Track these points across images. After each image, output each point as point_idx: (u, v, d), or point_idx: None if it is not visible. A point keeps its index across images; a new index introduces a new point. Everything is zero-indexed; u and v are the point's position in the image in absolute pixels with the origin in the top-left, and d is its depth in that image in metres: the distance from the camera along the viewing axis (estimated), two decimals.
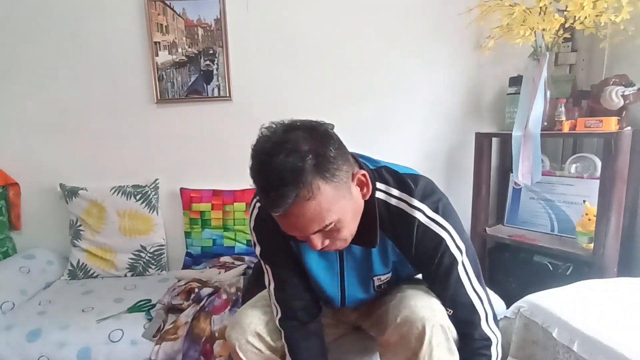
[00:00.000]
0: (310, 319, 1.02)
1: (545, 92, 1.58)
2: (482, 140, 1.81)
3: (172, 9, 1.77)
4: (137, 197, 1.80)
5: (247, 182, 1.85)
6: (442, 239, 0.87)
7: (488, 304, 0.93)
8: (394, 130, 1.90)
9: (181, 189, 1.87)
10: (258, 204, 0.97)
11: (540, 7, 1.55)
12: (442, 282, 0.90)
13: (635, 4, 1.44)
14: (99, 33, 1.78)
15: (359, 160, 0.88)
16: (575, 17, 1.51)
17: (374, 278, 0.97)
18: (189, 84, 1.83)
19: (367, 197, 0.85)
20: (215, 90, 1.84)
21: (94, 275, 1.79)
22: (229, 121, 1.88)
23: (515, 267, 1.77)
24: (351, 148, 0.85)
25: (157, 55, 1.79)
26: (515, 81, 1.74)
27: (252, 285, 1.35)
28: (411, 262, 0.93)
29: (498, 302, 1.34)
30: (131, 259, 1.81)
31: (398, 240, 0.91)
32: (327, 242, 0.82)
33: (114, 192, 1.80)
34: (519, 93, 1.65)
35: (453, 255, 0.88)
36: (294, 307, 1.00)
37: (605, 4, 1.44)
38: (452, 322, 0.91)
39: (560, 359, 1.02)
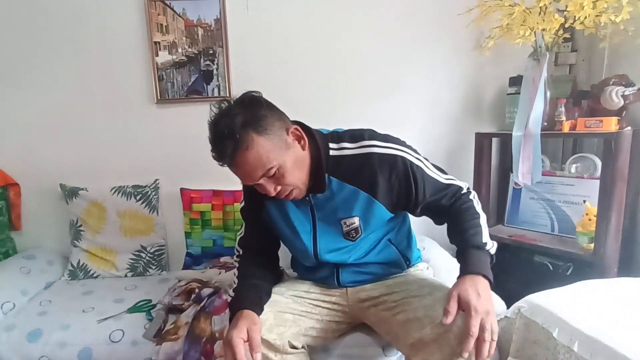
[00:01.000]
0: (265, 259, 1.18)
1: (545, 92, 1.58)
2: (482, 140, 1.81)
3: (172, 9, 1.77)
4: (137, 197, 1.80)
5: None
6: (400, 156, 1.03)
7: (458, 182, 1.13)
8: (394, 130, 1.85)
9: (181, 189, 1.87)
10: None
11: (540, 7, 1.55)
12: (425, 192, 1.06)
13: (635, 4, 1.44)
14: (99, 33, 1.78)
15: (310, 128, 1.06)
16: (575, 17, 1.51)
17: (341, 222, 1.08)
18: (189, 84, 1.83)
19: (305, 149, 1.02)
20: (215, 90, 1.84)
21: (95, 275, 1.79)
22: None
23: (516, 267, 1.77)
24: None
25: (157, 55, 1.79)
26: (515, 81, 1.74)
27: None
28: (378, 195, 1.04)
29: (498, 302, 1.34)
30: (131, 259, 1.81)
31: (358, 180, 1.04)
32: (278, 188, 0.98)
33: (114, 192, 1.80)
34: (519, 93, 1.65)
35: (417, 166, 1.05)
36: (253, 250, 1.18)
37: (605, 4, 1.44)
38: (449, 217, 1.10)
39: (561, 359, 1.02)
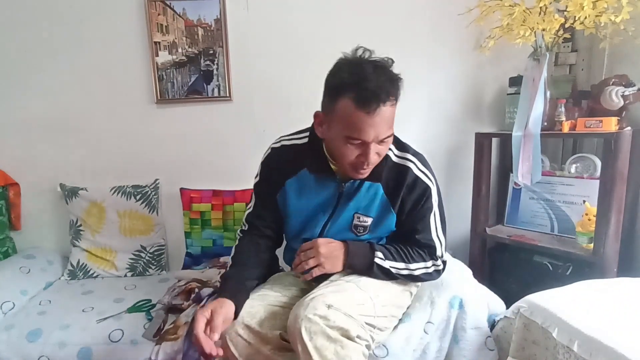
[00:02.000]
0: (268, 241, 1.21)
1: (545, 92, 1.58)
2: (482, 140, 1.81)
3: (172, 9, 1.77)
4: (137, 197, 1.80)
5: (247, 182, 1.85)
6: (428, 186, 1.11)
7: (442, 249, 1.17)
8: (394, 130, 1.89)
9: (181, 189, 1.87)
10: (275, 146, 1.19)
11: (540, 7, 1.55)
12: (415, 222, 1.13)
13: (635, 4, 1.44)
14: (99, 33, 1.78)
15: None
16: (575, 17, 1.51)
17: (355, 215, 1.13)
18: (189, 84, 1.83)
19: None
20: (215, 90, 1.84)
21: (94, 275, 1.79)
22: (229, 121, 1.88)
23: (515, 267, 1.77)
24: None
25: (157, 55, 1.79)
26: (515, 81, 1.74)
27: None
28: (395, 208, 1.12)
29: (498, 302, 1.34)
30: (131, 259, 1.81)
31: (389, 187, 1.11)
32: (376, 157, 1.01)
33: (114, 192, 1.80)
34: (519, 93, 1.65)
35: (432, 204, 1.12)
36: (259, 226, 1.20)
37: (605, 4, 1.44)
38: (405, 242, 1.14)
39: (560, 359, 1.02)
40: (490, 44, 1.73)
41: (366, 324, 1.02)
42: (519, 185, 1.84)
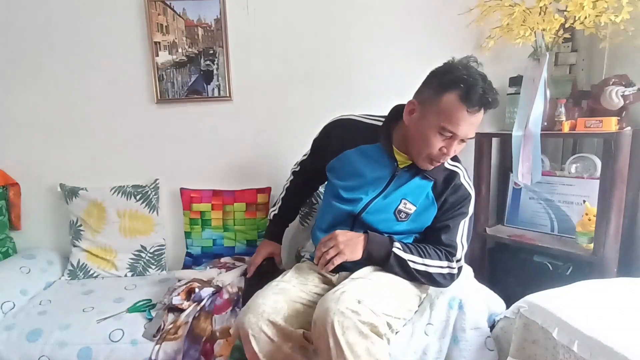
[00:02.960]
0: (312, 182, 1.53)
1: (545, 92, 1.58)
2: (482, 140, 1.81)
3: (172, 9, 1.77)
4: (137, 197, 1.80)
5: (247, 182, 1.86)
6: (469, 195, 1.24)
7: (462, 253, 1.23)
8: None
9: (181, 189, 1.87)
10: (343, 117, 1.33)
11: (540, 7, 1.55)
12: (447, 220, 1.22)
13: (635, 4, 1.44)
14: (98, 33, 1.78)
15: None
16: (575, 17, 1.51)
17: (402, 200, 1.22)
18: (189, 84, 1.83)
19: None
20: (215, 90, 1.84)
21: (94, 275, 1.79)
22: (229, 121, 1.88)
23: (515, 267, 1.77)
24: None
25: (157, 55, 1.79)
26: (515, 81, 1.74)
27: (253, 286, 1.35)
28: (439, 203, 1.22)
29: (498, 302, 1.35)
30: (131, 259, 1.81)
31: (437, 187, 1.22)
32: (454, 152, 1.13)
33: (114, 192, 1.80)
34: (519, 93, 1.65)
35: (467, 211, 1.24)
36: (306, 174, 1.48)
37: (605, 4, 1.44)
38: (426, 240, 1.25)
39: (560, 359, 1.02)
40: (490, 44, 1.73)
41: (387, 323, 1.03)
42: (519, 185, 1.84)
